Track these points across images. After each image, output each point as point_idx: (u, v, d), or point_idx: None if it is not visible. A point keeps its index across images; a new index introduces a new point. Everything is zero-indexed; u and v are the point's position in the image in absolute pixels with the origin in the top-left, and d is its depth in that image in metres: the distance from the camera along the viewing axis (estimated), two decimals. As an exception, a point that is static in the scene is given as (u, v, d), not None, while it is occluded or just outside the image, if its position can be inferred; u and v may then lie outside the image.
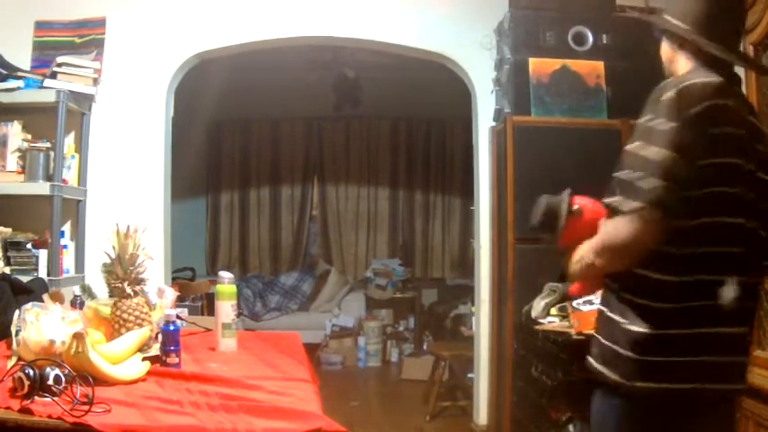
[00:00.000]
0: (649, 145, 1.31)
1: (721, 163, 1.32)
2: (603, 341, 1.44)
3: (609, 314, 1.44)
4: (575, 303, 2.59)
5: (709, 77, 1.37)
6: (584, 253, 1.44)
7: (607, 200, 1.38)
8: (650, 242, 1.31)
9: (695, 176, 1.30)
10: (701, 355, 1.34)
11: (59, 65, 3.18)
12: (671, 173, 1.27)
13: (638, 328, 1.36)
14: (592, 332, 1.53)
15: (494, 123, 3.57)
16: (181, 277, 5.41)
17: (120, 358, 1.69)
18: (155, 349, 1.84)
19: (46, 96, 3.11)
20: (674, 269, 1.34)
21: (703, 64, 1.43)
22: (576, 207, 1.51)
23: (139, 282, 1.91)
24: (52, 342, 1.61)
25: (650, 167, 1.29)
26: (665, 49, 1.52)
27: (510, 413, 3.18)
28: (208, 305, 3.97)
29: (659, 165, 1.28)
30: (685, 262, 1.34)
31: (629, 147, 1.36)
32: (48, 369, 1.43)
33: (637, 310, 1.37)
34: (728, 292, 1.32)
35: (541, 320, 2.80)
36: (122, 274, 1.86)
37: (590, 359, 1.48)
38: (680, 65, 1.48)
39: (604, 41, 3.33)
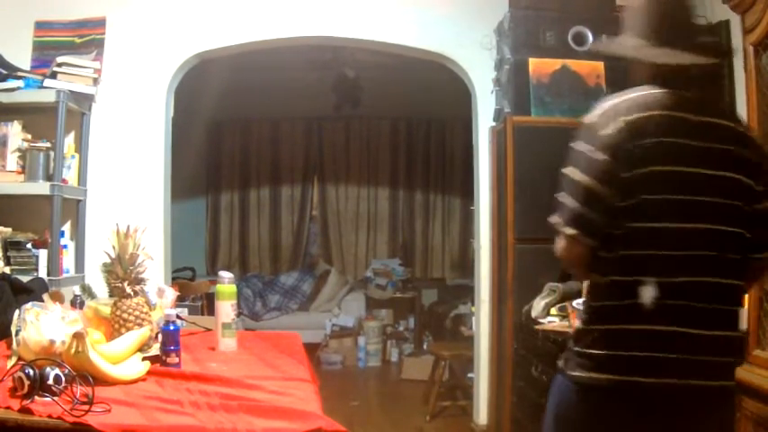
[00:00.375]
0: (573, 166, 1.45)
1: (648, 172, 1.39)
2: None
3: None
4: (574, 303, 2.59)
5: (636, 92, 1.45)
6: None
7: (550, 217, 1.50)
8: (577, 256, 1.46)
9: (619, 189, 1.39)
10: (639, 350, 1.39)
11: (59, 65, 3.18)
12: (586, 195, 1.41)
13: (578, 322, 1.54)
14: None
15: (494, 123, 3.57)
16: (181, 277, 5.41)
17: (120, 358, 1.69)
18: (155, 349, 1.84)
19: (46, 96, 3.11)
20: (606, 270, 1.44)
21: (652, 77, 1.49)
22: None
23: (139, 282, 1.91)
24: (52, 342, 1.61)
25: (570, 189, 1.44)
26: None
27: (510, 413, 3.18)
28: (208, 305, 3.97)
29: (576, 187, 1.42)
30: (618, 264, 1.42)
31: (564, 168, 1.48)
32: (48, 369, 1.43)
33: (584, 306, 1.55)
34: (650, 291, 1.39)
35: (541, 320, 2.80)
36: (122, 273, 1.87)
37: None
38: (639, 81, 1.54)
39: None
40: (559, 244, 1.47)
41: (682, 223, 1.40)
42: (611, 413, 1.43)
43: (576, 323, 1.54)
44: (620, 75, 3.27)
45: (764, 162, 1.46)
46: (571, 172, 1.45)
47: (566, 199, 1.45)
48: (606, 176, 1.39)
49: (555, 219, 1.48)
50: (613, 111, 1.43)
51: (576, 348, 1.47)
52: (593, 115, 1.45)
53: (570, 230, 1.43)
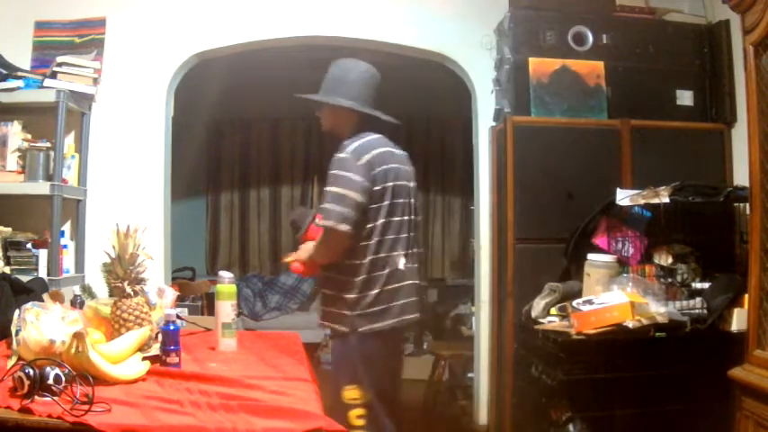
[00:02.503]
0: (338, 186, 2.21)
1: (385, 187, 2.22)
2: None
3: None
4: (575, 303, 2.59)
5: (366, 137, 2.30)
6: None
7: (321, 221, 2.20)
8: (343, 245, 2.20)
9: (371, 197, 2.20)
10: (398, 300, 2.23)
11: (59, 65, 3.18)
12: (352, 203, 2.18)
13: (343, 294, 2.23)
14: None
15: (494, 123, 3.57)
16: (181, 277, 5.41)
17: (120, 358, 1.69)
18: (155, 349, 1.84)
19: (46, 96, 3.11)
20: (366, 253, 2.21)
21: (362, 125, 2.32)
22: (317, 221, 2.33)
23: (139, 281, 1.91)
24: (52, 342, 1.62)
25: (339, 201, 2.19)
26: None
27: (510, 413, 3.18)
28: (208, 305, 3.97)
29: (345, 199, 2.18)
30: (377, 247, 2.21)
31: None
32: (48, 368, 1.43)
33: (338, 282, 2.28)
34: (402, 261, 2.25)
35: (541, 320, 2.80)
36: (122, 273, 1.87)
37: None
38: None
39: (604, 41, 3.32)
40: (331, 240, 2.15)
41: (405, 216, 2.27)
42: (391, 346, 2.33)
43: (338, 293, 2.21)
44: (622, 76, 3.30)
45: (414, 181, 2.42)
46: (341, 190, 2.15)
47: (335, 207, 2.13)
48: (364, 191, 2.16)
49: (328, 222, 2.13)
50: (361, 149, 2.20)
51: (355, 312, 2.18)
52: (346, 153, 2.20)
53: (345, 227, 2.12)
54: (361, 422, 2.21)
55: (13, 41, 3.36)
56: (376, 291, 2.19)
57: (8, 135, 3.15)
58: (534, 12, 3.32)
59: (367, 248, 2.20)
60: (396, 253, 2.23)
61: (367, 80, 2.35)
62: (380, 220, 2.20)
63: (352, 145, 2.22)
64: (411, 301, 2.27)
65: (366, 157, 2.19)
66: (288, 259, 2.45)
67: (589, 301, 2.54)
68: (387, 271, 2.21)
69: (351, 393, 2.22)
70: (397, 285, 2.23)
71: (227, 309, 2.12)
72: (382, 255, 2.21)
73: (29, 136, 3.17)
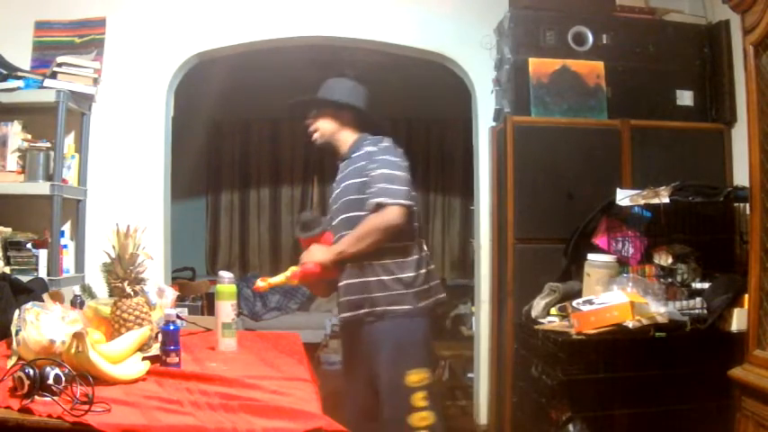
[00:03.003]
0: (392, 169, 2.32)
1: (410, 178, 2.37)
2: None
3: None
4: (575, 303, 2.59)
5: (385, 137, 2.44)
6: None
7: (380, 199, 2.26)
8: (402, 222, 2.25)
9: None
10: (435, 281, 2.41)
11: (59, 65, 3.18)
12: (408, 183, 2.33)
13: (401, 273, 2.31)
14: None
15: (494, 123, 3.57)
16: (181, 277, 5.41)
17: (120, 358, 1.69)
18: (155, 349, 1.84)
19: (46, 96, 3.11)
20: (413, 235, 2.35)
21: (365, 125, 2.48)
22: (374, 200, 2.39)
23: (139, 281, 1.91)
24: (52, 341, 1.62)
25: (397, 181, 2.32)
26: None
27: (510, 413, 3.18)
28: (208, 305, 3.97)
29: (402, 179, 2.32)
30: (417, 231, 2.37)
31: None
32: (48, 368, 1.43)
33: (398, 262, 2.33)
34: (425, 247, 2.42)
35: (541, 320, 2.80)
36: (122, 273, 1.87)
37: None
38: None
39: (604, 41, 3.32)
40: (391, 214, 2.20)
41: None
42: (430, 323, 2.39)
43: (394, 276, 2.28)
44: (622, 76, 3.30)
45: None
46: (394, 172, 2.26)
47: (395, 186, 2.22)
48: (409, 174, 2.32)
49: (393, 199, 2.21)
50: (392, 144, 2.38)
51: (413, 290, 2.29)
52: (386, 142, 2.37)
53: (407, 202, 2.23)
54: (426, 403, 2.27)
55: (13, 41, 3.36)
56: (424, 270, 2.35)
57: (8, 135, 3.15)
58: (534, 12, 3.32)
59: (413, 230, 2.34)
60: (422, 239, 2.43)
61: (361, 92, 2.50)
62: (415, 208, 2.36)
63: (385, 138, 2.41)
64: (439, 282, 2.47)
65: (399, 149, 2.40)
66: (284, 275, 2.31)
67: (589, 301, 2.54)
68: (425, 253, 2.39)
69: (415, 376, 2.26)
70: (432, 267, 2.42)
71: (227, 309, 2.12)
72: (420, 239, 2.39)
73: (29, 136, 3.17)
